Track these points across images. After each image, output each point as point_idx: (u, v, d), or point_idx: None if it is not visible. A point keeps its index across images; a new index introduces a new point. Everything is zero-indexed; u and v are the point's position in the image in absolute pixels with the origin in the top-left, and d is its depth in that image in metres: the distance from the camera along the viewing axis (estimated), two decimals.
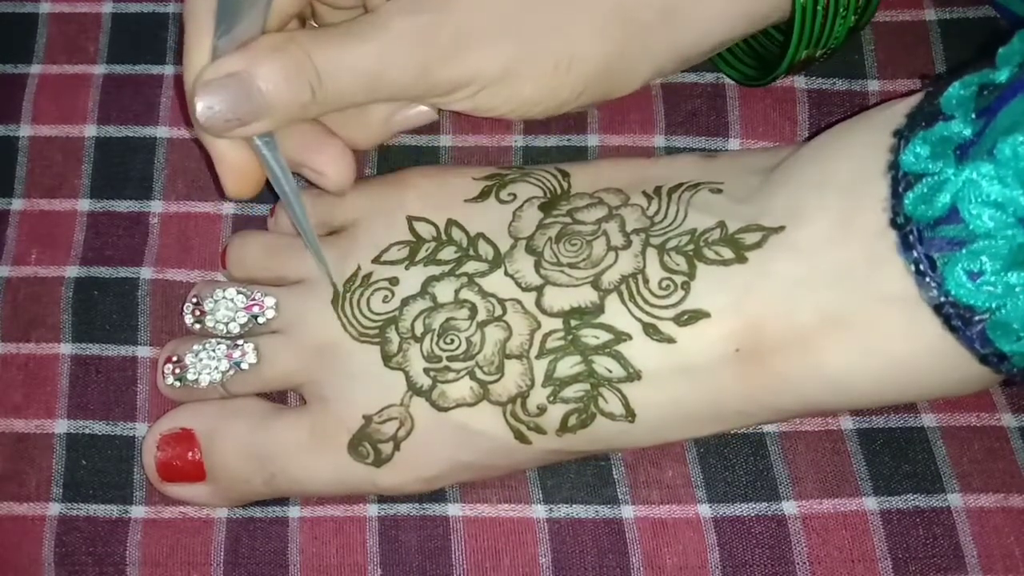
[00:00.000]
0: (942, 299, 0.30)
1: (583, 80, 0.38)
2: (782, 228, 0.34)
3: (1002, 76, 0.30)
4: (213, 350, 0.39)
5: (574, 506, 0.39)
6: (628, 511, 0.39)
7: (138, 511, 0.39)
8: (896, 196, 0.31)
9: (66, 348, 0.41)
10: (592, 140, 0.43)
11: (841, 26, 0.39)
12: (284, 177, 0.37)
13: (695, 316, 0.34)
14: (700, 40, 0.39)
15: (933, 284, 0.30)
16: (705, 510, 0.39)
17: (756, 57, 0.43)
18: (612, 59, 0.38)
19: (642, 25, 0.38)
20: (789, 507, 0.39)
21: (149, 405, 0.40)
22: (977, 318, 0.30)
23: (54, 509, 0.39)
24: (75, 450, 0.40)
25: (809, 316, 0.33)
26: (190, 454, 0.38)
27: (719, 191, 0.37)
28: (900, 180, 0.31)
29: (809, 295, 0.33)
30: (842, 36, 0.40)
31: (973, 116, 0.30)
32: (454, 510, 0.39)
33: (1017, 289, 0.29)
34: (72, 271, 0.42)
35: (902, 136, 0.32)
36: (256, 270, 0.40)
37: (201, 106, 0.35)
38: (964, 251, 0.29)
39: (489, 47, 0.37)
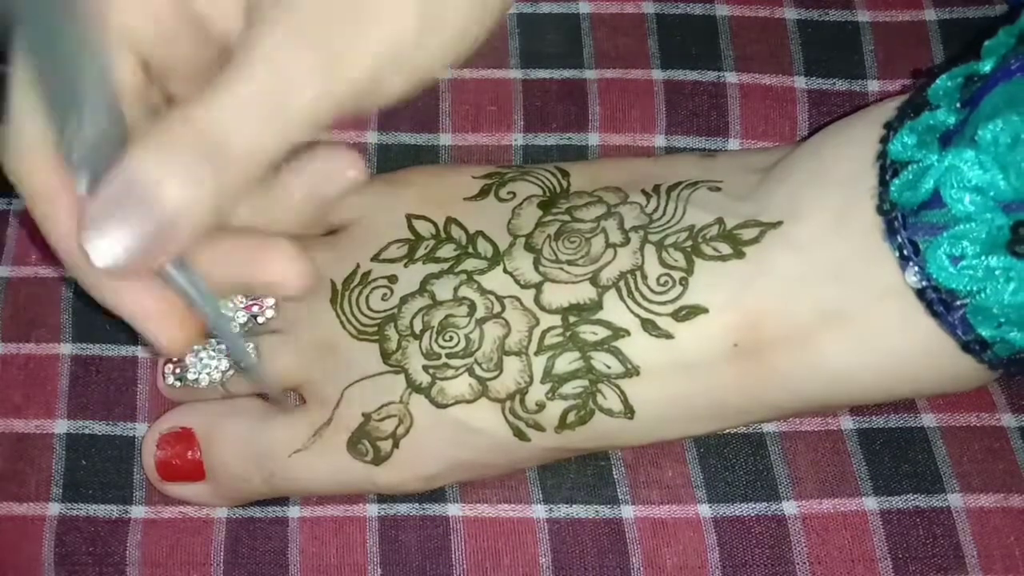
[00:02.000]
0: (924, 283, 0.31)
1: None
2: (780, 223, 0.34)
3: (986, 67, 0.31)
4: (213, 350, 0.39)
5: (574, 506, 0.39)
6: (628, 511, 0.39)
7: (138, 511, 0.39)
8: (883, 184, 0.32)
9: (66, 348, 0.41)
10: (592, 139, 0.43)
11: None
12: (207, 302, 0.31)
13: (693, 312, 0.35)
14: None
15: (916, 268, 0.31)
16: (705, 510, 0.39)
17: None
18: None
19: None
20: (789, 507, 0.39)
21: (149, 405, 0.40)
22: (958, 303, 0.31)
23: (54, 509, 0.39)
24: (75, 450, 0.40)
25: (807, 311, 0.33)
26: (189, 453, 0.38)
27: (718, 189, 0.37)
28: (888, 168, 0.32)
29: (807, 290, 0.33)
30: None
31: (958, 106, 0.31)
32: (454, 510, 0.39)
33: (997, 272, 0.30)
34: None
35: (891, 127, 0.33)
36: None
37: (101, 248, 0.27)
38: (946, 235, 0.30)
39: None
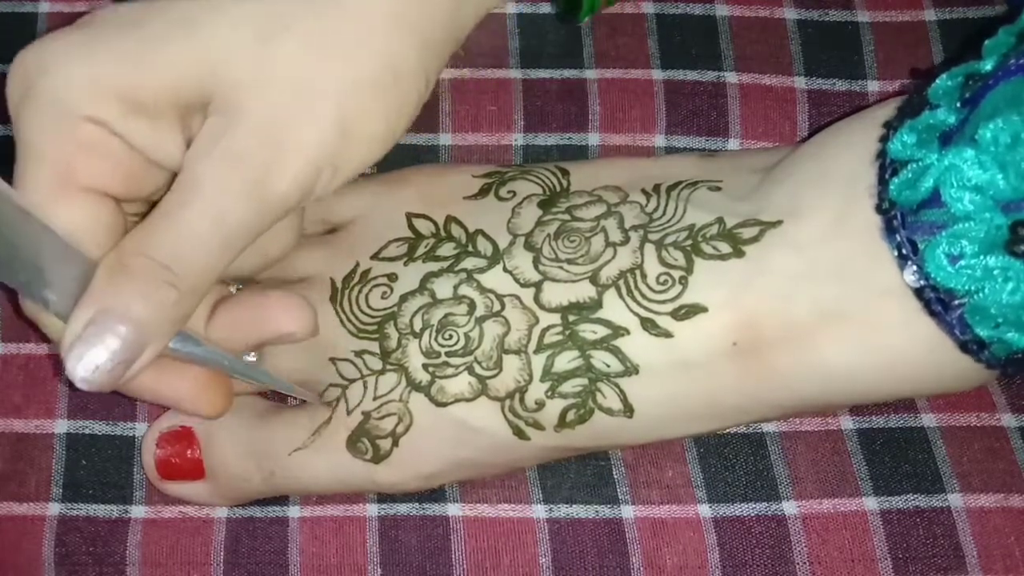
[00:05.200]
0: (922, 282, 0.31)
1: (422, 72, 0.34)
2: (780, 223, 0.34)
3: (987, 66, 0.31)
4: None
5: (574, 506, 0.39)
6: (628, 511, 0.39)
7: (138, 511, 0.39)
8: (882, 183, 0.32)
9: None
10: (592, 139, 0.43)
11: None
12: (224, 359, 0.35)
13: (693, 310, 0.35)
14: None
15: (914, 267, 0.31)
16: (705, 510, 0.39)
17: None
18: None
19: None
20: (789, 507, 0.39)
21: (149, 404, 0.40)
22: (956, 302, 0.31)
23: (54, 509, 0.39)
24: (75, 450, 0.40)
25: (807, 310, 0.33)
26: (189, 452, 0.38)
27: (718, 189, 0.37)
28: (887, 167, 0.32)
29: (807, 289, 0.33)
30: None
31: (958, 105, 0.31)
32: (454, 510, 0.39)
33: (995, 272, 0.29)
34: None
35: (891, 126, 0.33)
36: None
37: (81, 371, 0.30)
38: (944, 234, 0.30)
39: (308, 121, 0.32)
